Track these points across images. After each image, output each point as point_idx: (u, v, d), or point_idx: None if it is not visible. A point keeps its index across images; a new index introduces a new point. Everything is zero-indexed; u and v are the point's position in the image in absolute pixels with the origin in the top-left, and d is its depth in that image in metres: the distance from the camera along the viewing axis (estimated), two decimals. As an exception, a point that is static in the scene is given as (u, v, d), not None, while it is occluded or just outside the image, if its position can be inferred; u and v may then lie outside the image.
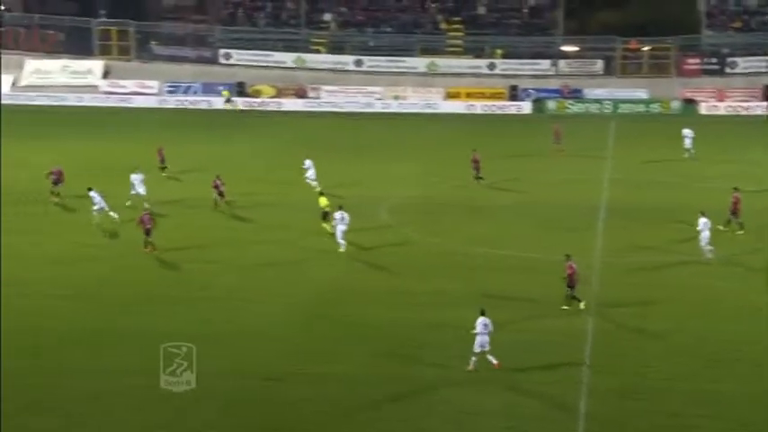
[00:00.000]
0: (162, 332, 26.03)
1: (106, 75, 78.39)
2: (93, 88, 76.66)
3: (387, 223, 39.83)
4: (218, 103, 75.06)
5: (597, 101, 74.28)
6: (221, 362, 25.10)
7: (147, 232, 34.57)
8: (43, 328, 27.49)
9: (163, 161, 47.82)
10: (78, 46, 79.36)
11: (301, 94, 77.11)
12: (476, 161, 46.49)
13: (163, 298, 30.34)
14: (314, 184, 44.55)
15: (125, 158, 49.16)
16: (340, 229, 35.11)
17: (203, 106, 74.96)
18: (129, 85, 76.59)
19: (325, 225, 36.83)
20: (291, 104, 75.50)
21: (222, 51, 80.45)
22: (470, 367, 25.06)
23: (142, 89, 76.43)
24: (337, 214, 35.56)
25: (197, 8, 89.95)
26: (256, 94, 77.39)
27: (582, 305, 29.46)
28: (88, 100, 74.69)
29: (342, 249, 35.33)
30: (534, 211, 41.64)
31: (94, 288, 31.24)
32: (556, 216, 40.86)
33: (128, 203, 39.88)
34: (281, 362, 25.44)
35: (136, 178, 40.71)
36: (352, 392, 24.06)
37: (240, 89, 77.18)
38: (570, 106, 74.39)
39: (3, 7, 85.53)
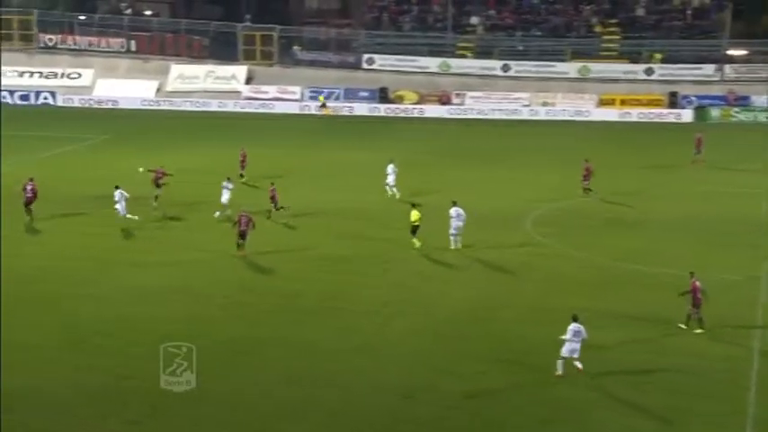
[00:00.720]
0: (306, 341, 26.51)
1: (249, 80, 79.82)
2: (236, 94, 78.15)
3: (530, 235, 38.62)
4: (361, 108, 75.14)
5: (767, 109, 70.28)
6: (363, 376, 24.87)
7: (242, 234, 34.21)
8: (182, 335, 26.91)
9: (243, 167, 47.21)
10: (223, 51, 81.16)
11: (445, 100, 76.31)
12: (587, 171, 44.49)
13: (305, 308, 29.99)
14: (392, 191, 43.67)
15: (263, 165, 49.52)
16: (455, 225, 35.00)
17: (345, 112, 75.19)
18: (272, 90, 77.69)
19: (414, 240, 35.71)
20: (434, 111, 74.79)
21: (365, 56, 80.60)
22: (559, 372, 24.38)
23: (284, 95, 77.38)
24: (453, 210, 35.22)
25: (341, 12, 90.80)
26: (399, 99, 77.10)
27: (699, 330, 27.27)
28: (231, 106, 76.11)
29: (452, 247, 35.31)
30: (686, 226, 39.36)
31: (238, 295, 31.17)
32: (712, 230, 38.49)
33: (219, 214, 39.62)
34: (422, 378, 24.87)
35: (226, 186, 40.33)
36: (497, 412, 23.12)
37: (383, 95, 77.06)
38: (736, 114, 70.60)
39: (150, 13, 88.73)
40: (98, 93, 77.49)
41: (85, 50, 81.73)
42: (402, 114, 74.63)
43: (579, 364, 24.38)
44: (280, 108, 75.32)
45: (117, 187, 38.20)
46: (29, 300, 30.09)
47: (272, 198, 40.02)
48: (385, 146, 59.22)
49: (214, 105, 76.00)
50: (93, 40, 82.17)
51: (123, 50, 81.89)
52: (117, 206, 37.90)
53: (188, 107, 75.74)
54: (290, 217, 39.54)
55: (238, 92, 78.45)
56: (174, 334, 26.53)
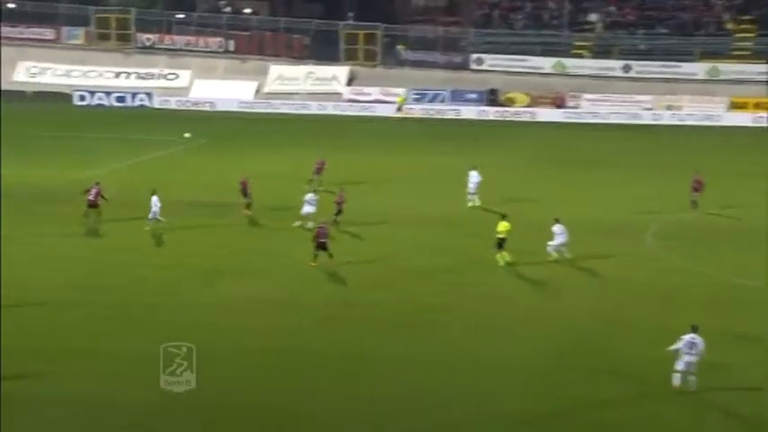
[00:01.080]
0: (412, 358, 26.25)
1: (350, 81, 79.58)
2: (336, 96, 77.94)
3: (641, 247, 37.51)
4: (468, 112, 74.09)
5: None
6: (475, 396, 24.29)
7: (321, 246, 33.96)
8: (293, 349, 27.20)
9: (317, 173, 46.59)
10: (324, 51, 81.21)
11: (559, 102, 74.70)
12: (698, 183, 42.35)
13: (405, 322, 29.49)
14: (472, 198, 43.16)
15: (359, 170, 49.10)
16: (559, 240, 34.80)
17: (451, 116, 74.24)
18: (374, 92, 77.22)
19: (499, 256, 34.65)
20: (547, 114, 73.35)
21: (474, 56, 79.60)
22: (676, 383, 23.78)
23: (386, 97, 76.83)
24: (556, 228, 34.85)
25: (448, 9, 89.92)
26: (509, 102, 75.83)
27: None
28: (331, 108, 75.91)
29: (551, 258, 34.83)
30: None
31: (334, 307, 30.82)
32: None
33: (299, 224, 39.28)
34: (539, 402, 24.12)
35: (308, 197, 39.86)
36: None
37: (492, 97, 75.83)
38: None
39: (249, 11, 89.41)
40: (195, 94, 78.39)
41: (183, 50, 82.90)
42: (512, 118, 73.47)
43: (693, 381, 23.65)
44: (382, 111, 74.73)
45: (154, 193, 38.40)
46: (125, 309, 30.17)
47: (339, 204, 39.72)
48: (492, 151, 58.44)
49: (314, 108, 75.98)
50: (191, 39, 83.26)
51: (221, 50, 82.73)
52: (151, 213, 38.04)
53: (287, 110, 75.92)
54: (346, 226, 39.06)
55: (339, 93, 78.27)
56: (270, 348, 26.73)
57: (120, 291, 31.83)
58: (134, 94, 77.40)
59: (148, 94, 77.32)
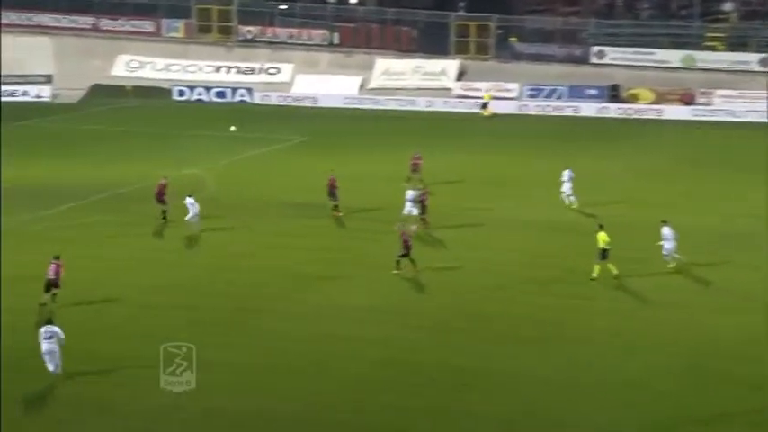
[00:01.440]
0: (523, 374, 25.95)
1: (461, 76, 78.49)
2: (445, 91, 76.91)
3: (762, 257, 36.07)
4: (587, 109, 72.32)
5: None
6: (581, 412, 23.94)
7: (406, 250, 33.70)
8: (398, 362, 27.01)
9: (415, 171, 46.19)
10: (433, 44, 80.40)
11: (688, 99, 72.43)
12: None
13: (523, 337, 28.99)
14: (569, 200, 42.63)
15: (460, 171, 48.75)
16: (667, 247, 34.19)
17: (568, 113, 72.53)
18: (485, 87, 75.88)
19: (597, 267, 33.55)
20: (675, 112, 71.29)
21: (594, 49, 77.76)
22: None
23: (500, 93, 75.44)
24: (665, 230, 34.22)
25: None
26: (633, 98, 73.73)
27: None
28: (440, 105, 74.96)
29: (670, 266, 34.13)
30: None
31: (445, 319, 30.41)
32: None
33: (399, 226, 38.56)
34: (671, 420, 23.53)
35: (410, 195, 39.42)
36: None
37: (613, 93, 73.84)
38: None
39: (355, 1, 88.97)
40: (297, 89, 78.39)
41: (285, 43, 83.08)
42: (636, 116, 71.59)
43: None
44: (494, 107, 73.36)
45: (190, 195, 38.50)
46: (221, 315, 30.29)
47: (421, 202, 39.24)
48: (614, 152, 56.86)
49: (421, 104, 75.18)
50: (294, 31, 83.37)
51: (325, 43, 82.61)
52: (188, 215, 38.14)
53: (393, 106, 75.22)
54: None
55: (448, 89, 77.30)
56: (377, 359, 26.67)
57: (219, 296, 31.98)
58: (234, 90, 77.82)
59: (249, 90, 77.63)
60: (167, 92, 77.79)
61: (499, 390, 25.16)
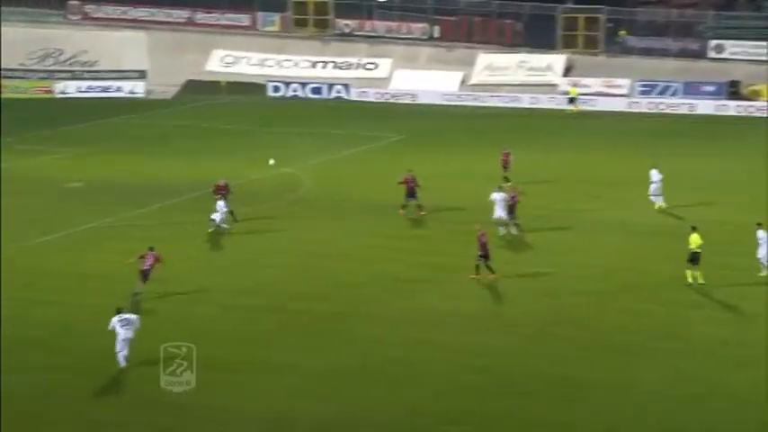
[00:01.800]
0: (631, 385, 25.77)
1: (567, 72, 77.92)
2: (551, 87, 76.43)
3: None
4: (705, 106, 71.15)
5: None
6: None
7: (483, 255, 33.66)
8: (494, 369, 27.26)
9: (506, 168, 46.70)
10: (538, 38, 80.00)
11: (814, 97, 70.41)
12: None
13: (628, 346, 28.98)
14: (657, 201, 42.75)
15: (573, 171, 48.87)
16: (761, 252, 33.87)
17: (683, 110, 71.46)
18: (595, 83, 75.31)
19: (689, 272, 33.35)
20: (800, 110, 69.24)
21: (713, 43, 76.55)
22: None
23: (609, 89, 74.72)
24: (760, 233, 34.04)
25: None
26: (754, 96, 72.34)
27: None
28: (545, 101, 74.54)
29: (763, 273, 33.80)
30: None
31: (546, 327, 30.48)
32: None
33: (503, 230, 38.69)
34: None
35: (497, 198, 39.22)
36: None
37: (733, 89, 72.50)
38: None
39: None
40: (395, 85, 78.74)
41: (383, 37, 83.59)
42: (758, 114, 69.97)
43: None
44: (603, 105, 72.79)
45: (220, 198, 39.02)
46: (312, 318, 30.91)
47: (511, 206, 39.30)
48: (730, 153, 55.63)
49: (525, 101, 74.86)
50: (393, 25, 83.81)
51: (425, 37, 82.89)
52: (215, 215, 38.58)
53: (495, 102, 75.04)
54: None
55: (554, 85, 76.85)
56: (476, 366, 26.86)
57: (311, 298, 32.55)
58: (330, 86, 78.49)
59: (345, 86, 78.22)
60: (262, 87, 78.98)
61: (607, 402, 25.09)
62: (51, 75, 78.14)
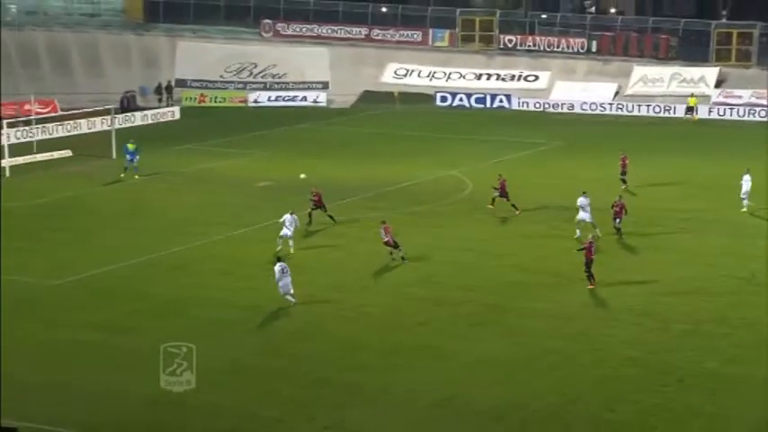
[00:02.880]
0: None
1: (719, 84, 75.07)
2: (704, 99, 73.79)
3: None
4: None
5: None
6: None
7: (588, 264, 32.53)
8: (647, 362, 26.60)
9: (624, 172, 45.98)
10: (692, 51, 77.59)
11: None
12: None
13: None
14: (746, 203, 41.96)
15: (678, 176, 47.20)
16: None
17: (834, 121, 67.66)
18: (745, 95, 72.27)
19: None
20: None
21: None
22: None
23: (760, 100, 71.55)
24: None
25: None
26: None
27: None
28: (699, 112, 71.91)
29: None
30: None
31: (699, 324, 29.62)
32: None
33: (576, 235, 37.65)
34: None
35: (583, 203, 38.23)
36: None
37: None
38: None
39: (614, 11, 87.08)
40: (554, 96, 77.56)
41: (544, 51, 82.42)
42: None
43: None
44: (754, 116, 69.51)
45: (292, 213, 37.60)
46: (479, 309, 30.89)
47: (617, 212, 38.23)
48: None
49: (679, 111, 72.34)
50: (553, 40, 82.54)
51: (583, 51, 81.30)
52: (285, 230, 36.98)
53: (647, 113, 72.90)
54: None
55: (707, 96, 74.01)
56: (629, 357, 26.35)
57: (474, 291, 32.55)
58: (493, 96, 77.98)
59: (507, 96, 77.58)
60: (431, 98, 79.10)
61: (753, 395, 24.14)
62: (246, 86, 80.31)
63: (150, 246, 37.20)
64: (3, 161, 51.16)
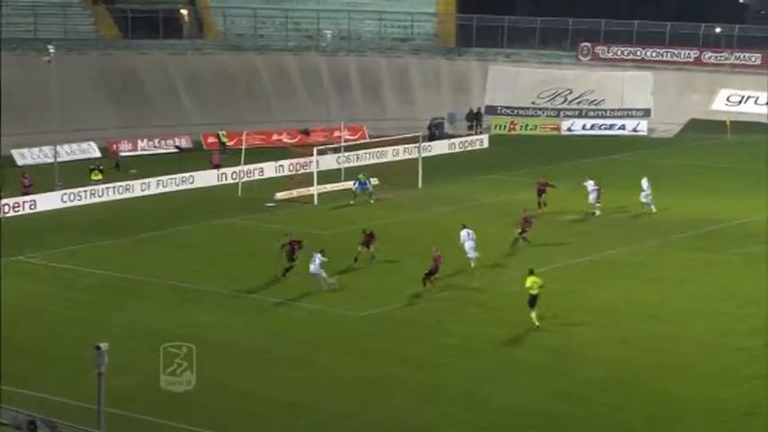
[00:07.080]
0: None
1: None
2: None
3: None
4: None
5: None
6: None
7: None
8: None
9: None
10: None
11: None
12: None
13: None
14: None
15: None
16: None
17: None
18: None
19: None
20: None
21: None
22: None
23: None
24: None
25: None
26: None
27: None
28: None
29: None
30: None
31: None
32: None
33: None
34: None
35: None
36: None
37: None
38: None
39: None
40: None
41: None
42: None
43: None
44: None
45: (322, 251, 36.92)
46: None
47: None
48: None
49: None
50: None
51: None
52: (311, 266, 36.60)
53: None
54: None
55: None
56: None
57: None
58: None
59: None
60: (767, 126, 75.39)
61: None
62: (560, 113, 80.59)
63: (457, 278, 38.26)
64: (312, 188, 54.42)
